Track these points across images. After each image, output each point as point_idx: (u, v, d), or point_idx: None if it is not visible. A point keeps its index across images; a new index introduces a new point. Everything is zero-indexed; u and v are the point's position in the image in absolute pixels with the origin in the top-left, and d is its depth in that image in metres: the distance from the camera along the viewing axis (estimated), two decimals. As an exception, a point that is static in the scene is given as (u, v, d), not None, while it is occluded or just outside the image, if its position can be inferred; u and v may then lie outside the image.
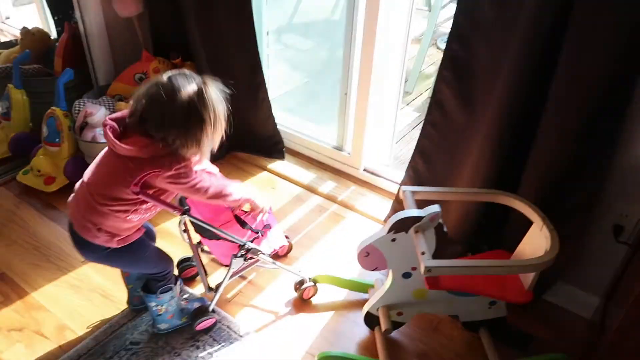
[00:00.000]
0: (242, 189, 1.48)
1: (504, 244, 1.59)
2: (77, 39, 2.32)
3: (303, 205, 2.20)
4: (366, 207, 2.16)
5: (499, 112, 1.48)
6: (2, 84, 2.31)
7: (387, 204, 2.15)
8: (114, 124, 1.25)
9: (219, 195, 1.38)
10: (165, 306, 1.53)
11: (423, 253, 1.26)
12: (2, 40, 2.88)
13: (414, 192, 1.47)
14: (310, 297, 1.75)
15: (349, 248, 1.97)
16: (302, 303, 1.74)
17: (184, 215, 1.41)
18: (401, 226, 1.33)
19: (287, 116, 2.55)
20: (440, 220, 1.34)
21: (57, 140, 2.16)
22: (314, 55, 3.70)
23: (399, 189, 1.95)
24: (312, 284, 1.72)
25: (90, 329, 1.62)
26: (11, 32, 3.63)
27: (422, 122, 1.77)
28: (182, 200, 1.51)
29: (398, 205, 1.98)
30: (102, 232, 1.31)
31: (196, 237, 1.58)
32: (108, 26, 2.34)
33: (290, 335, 1.64)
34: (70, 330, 1.62)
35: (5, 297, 1.73)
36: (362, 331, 1.65)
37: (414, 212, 1.32)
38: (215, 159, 2.30)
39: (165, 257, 1.53)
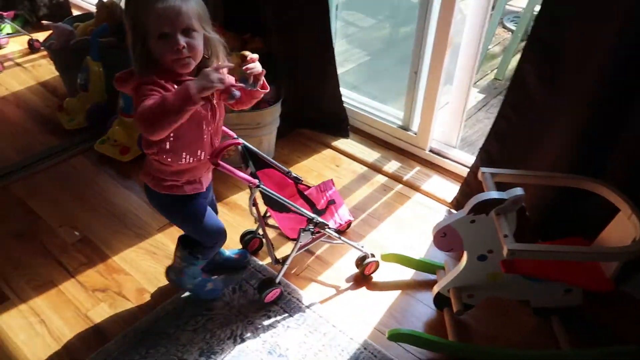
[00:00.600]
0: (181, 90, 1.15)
1: (578, 232, 1.55)
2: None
3: (367, 184, 2.20)
4: (431, 188, 2.14)
5: (587, 96, 1.42)
6: (80, 56, 2.41)
7: (453, 186, 2.12)
8: None
9: (156, 108, 1.12)
10: (184, 265, 1.56)
11: (506, 236, 1.25)
12: (78, 13, 2.99)
13: (493, 174, 1.45)
14: (372, 273, 1.77)
15: (413, 228, 1.97)
16: (363, 279, 1.76)
17: (257, 188, 1.44)
18: (482, 208, 1.31)
19: (351, 94, 2.54)
20: (523, 204, 1.31)
21: (132, 111, 2.24)
22: (375, 32, 3.65)
23: (472, 170, 1.92)
24: (374, 259, 1.74)
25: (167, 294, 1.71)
26: (85, 6, 3.77)
27: (488, 104, 1.73)
28: (253, 174, 1.55)
29: (467, 187, 1.95)
30: (151, 176, 1.37)
31: (262, 211, 1.63)
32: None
33: (357, 310, 1.66)
34: (149, 294, 1.71)
35: (89, 259, 1.83)
36: (429, 311, 1.66)
37: (495, 194, 1.30)
38: (280, 135, 2.37)
39: (216, 234, 1.53)
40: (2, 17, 3.32)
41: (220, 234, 1.55)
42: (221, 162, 1.32)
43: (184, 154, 1.31)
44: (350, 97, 2.50)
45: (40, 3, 3.41)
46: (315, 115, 2.43)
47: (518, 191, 1.28)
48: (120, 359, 1.48)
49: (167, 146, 1.28)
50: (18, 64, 3.12)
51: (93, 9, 2.90)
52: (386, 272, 1.78)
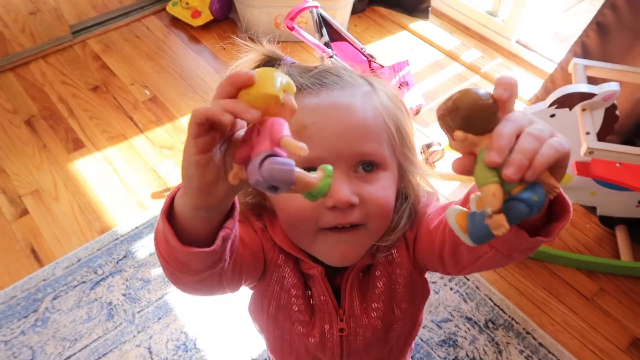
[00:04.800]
0: None
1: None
2: None
3: (442, 72, 2.07)
4: (511, 82, 1.98)
5: None
6: None
7: (536, 83, 1.95)
8: None
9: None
10: None
11: (588, 133, 1.14)
12: None
13: (586, 67, 1.30)
14: (436, 161, 1.72)
15: (485, 123, 1.87)
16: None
17: (330, 59, 1.38)
18: (566, 101, 1.20)
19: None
20: (615, 101, 1.18)
21: (204, -27, 2.16)
22: None
23: (561, 66, 1.74)
24: (440, 147, 1.68)
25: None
26: None
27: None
28: (327, 44, 1.48)
29: (551, 84, 1.79)
30: None
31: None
32: None
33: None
34: (212, 156, 1.77)
35: (157, 117, 1.89)
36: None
37: (585, 87, 1.18)
38: (354, 11, 2.22)
39: None
40: None
41: None
42: (295, 27, 1.26)
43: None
44: (436, -25, 2.28)
45: None
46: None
47: (613, 86, 1.15)
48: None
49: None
50: None
51: None
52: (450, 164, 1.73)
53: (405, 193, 0.64)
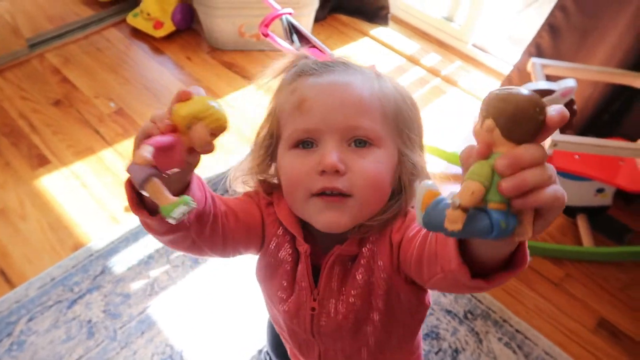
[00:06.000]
0: None
1: (618, 134, 1.52)
2: None
3: (404, 76, 2.14)
4: (471, 84, 2.07)
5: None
6: None
7: (494, 83, 2.05)
8: None
9: None
10: None
11: (551, 127, 1.22)
12: None
13: (544, 66, 1.38)
14: None
15: (449, 123, 1.94)
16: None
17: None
18: (529, 99, 1.27)
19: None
20: (573, 97, 1.27)
21: (165, -17, 2.15)
22: None
23: (517, 67, 1.84)
24: None
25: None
26: None
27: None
28: (298, 50, 1.50)
29: (507, 83, 1.89)
30: None
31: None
32: None
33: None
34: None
35: (124, 130, 1.86)
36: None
37: (544, 84, 1.26)
38: (316, 20, 2.27)
39: None
40: None
41: None
42: (270, 33, 1.28)
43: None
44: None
45: None
46: (355, 1, 2.31)
47: (570, 82, 1.24)
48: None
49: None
50: None
51: None
52: (417, 163, 1.79)
53: (403, 185, 0.65)
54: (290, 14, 1.40)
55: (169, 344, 1.31)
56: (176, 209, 0.45)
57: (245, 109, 1.92)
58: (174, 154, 0.48)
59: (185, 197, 0.46)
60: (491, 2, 2.11)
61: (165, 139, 0.48)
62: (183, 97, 0.48)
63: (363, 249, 0.66)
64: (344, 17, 2.39)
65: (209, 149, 0.49)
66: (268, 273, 0.73)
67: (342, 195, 0.60)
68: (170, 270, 1.45)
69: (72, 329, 1.33)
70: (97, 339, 1.31)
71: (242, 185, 0.72)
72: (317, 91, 0.62)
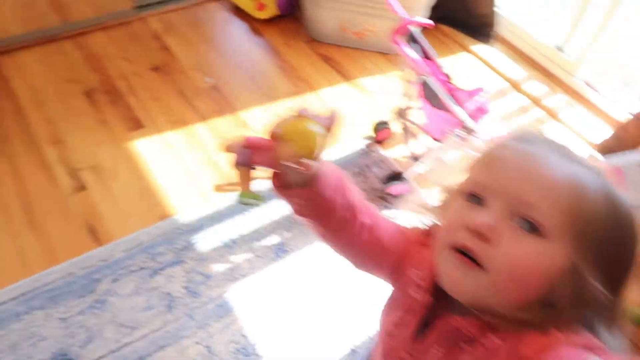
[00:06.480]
0: None
1: None
2: None
3: (501, 100, 2.07)
4: (573, 120, 1.98)
5: None
6: None
7: (598, 124, 1.95)
8: None
9: None
10: None
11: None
12: None
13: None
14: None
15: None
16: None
17: (426, 77, 1.37)
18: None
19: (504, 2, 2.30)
20: None
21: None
22: None
23: (637, 117, 1.73)
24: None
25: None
26: None
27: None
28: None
29: (622, 132, 1.78)
30: None
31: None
32: None
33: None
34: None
35: (219, 107, 1.86)
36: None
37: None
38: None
39: None
40: None
41: None
42: (399, 40, 1.24)
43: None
44: (504, 4, 2.26)
45: None
46: (460, 13, 2.24)
47: None
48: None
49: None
50: None
51: None
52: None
53: (557, 300, 0.52)
54: (432, 26, 1.36)
55: (244, 334, 1.30)
56: (246, 199, 0.58)
57: (337, 106, 1.89)
58: (266, 156, 0.55)
59: (258, 195, 0.58)
60: (609, 38, 2.00)
61: (261, 140, 0.56)
62: (298, 113, 0.54)
63: (484, 339, 0.57)
64: (446, 28, 2.32)
65: (288, 167, 0.54)
66: (389, 303, 0.71)
67: (475, 262, 0.52)
68: (253, 259, 1.44)
69: (152, 299, 1.33)
70: (176, 314, 1.31)
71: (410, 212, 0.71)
72: (509, 153, 0.55)
